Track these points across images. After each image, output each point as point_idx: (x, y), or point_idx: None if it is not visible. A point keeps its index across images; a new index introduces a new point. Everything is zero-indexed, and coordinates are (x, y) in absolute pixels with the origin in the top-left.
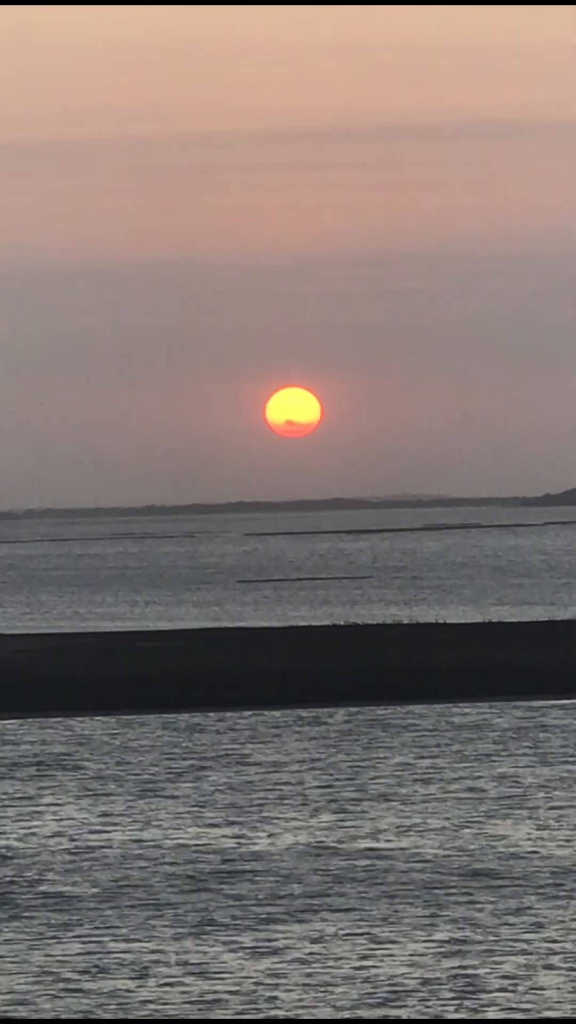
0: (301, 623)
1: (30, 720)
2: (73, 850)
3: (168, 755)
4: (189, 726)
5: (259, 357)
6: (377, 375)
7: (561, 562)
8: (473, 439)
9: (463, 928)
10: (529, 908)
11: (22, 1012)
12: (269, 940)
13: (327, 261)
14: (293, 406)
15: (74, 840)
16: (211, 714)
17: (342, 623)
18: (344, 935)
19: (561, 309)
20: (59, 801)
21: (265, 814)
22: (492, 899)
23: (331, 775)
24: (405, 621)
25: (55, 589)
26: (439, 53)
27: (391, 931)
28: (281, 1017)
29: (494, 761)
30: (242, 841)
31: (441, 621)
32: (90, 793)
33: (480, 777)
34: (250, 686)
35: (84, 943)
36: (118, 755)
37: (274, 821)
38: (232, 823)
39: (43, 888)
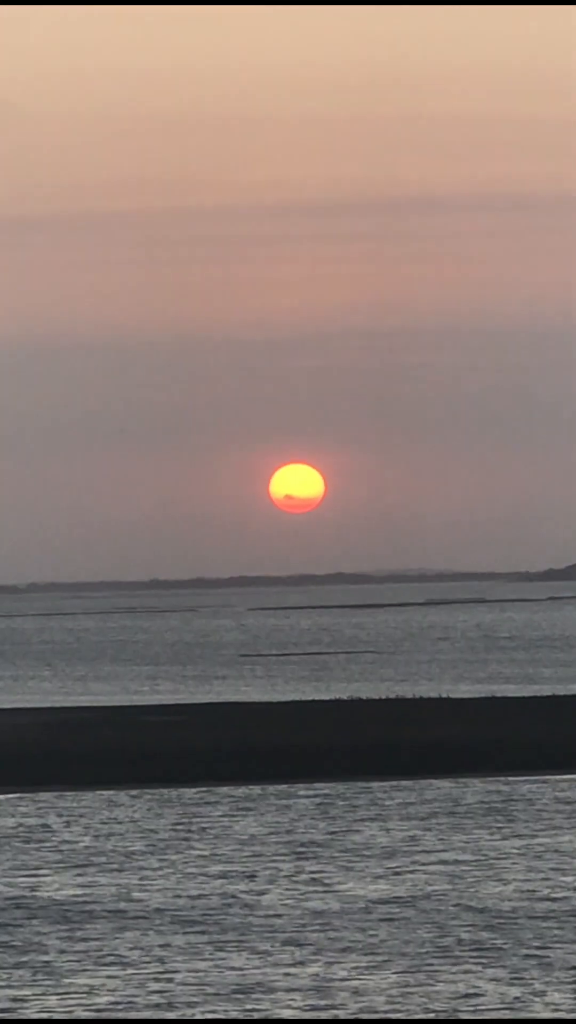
0: (303, 698)
1: (27, 795)
2: (53, 914)
3: (154, 828)
4: (184, 800)
5: (263, 432)
6: (381, 450)
7: (557, 636)
8: (476, 514)
9: (452, 989)
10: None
11: None
12: (256, 1008)
13: (331, 334)
14: (296, 481)
15: (51, 901)
16: (209, 788)
17: (345, 698)
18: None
19: (566, 383)
20: (41, 869)
21: (237, 887)
22: (483, 962)
23: (304, 848)
24: (407, 696)
25: (56, 663)
26: (444, 126)
27: (372, 999)
28: (281, 1017)
29: (464, 833)
30: (218, 911)
31: (443, 696)
32: (68, 865)
33: (451, 849)
34: (249, 761)
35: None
36: (104, 828)
37: (246, 894)
38: (205, 895)
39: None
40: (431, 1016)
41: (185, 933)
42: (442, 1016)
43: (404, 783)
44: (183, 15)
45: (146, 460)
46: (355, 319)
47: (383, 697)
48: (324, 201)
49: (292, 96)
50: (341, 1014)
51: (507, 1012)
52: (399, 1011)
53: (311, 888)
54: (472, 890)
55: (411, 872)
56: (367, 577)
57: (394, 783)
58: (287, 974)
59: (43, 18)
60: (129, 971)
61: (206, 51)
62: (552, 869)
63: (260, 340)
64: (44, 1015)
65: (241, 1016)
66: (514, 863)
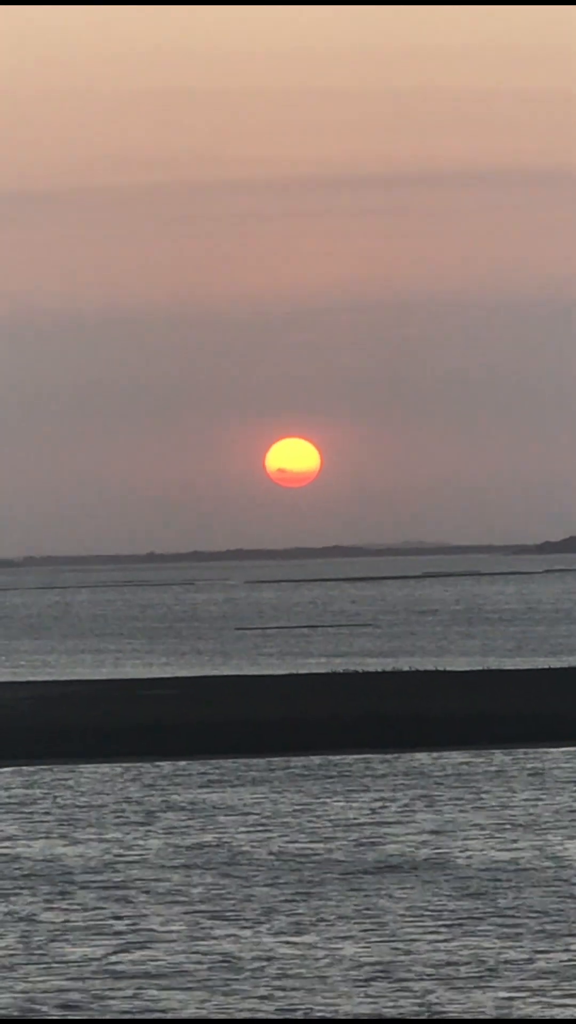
0: (300, 671)
1: (21, 767)
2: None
3: (131, 801)
4: (166, 773)
5: (260, 406)
6: (377, 423)
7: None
8: (473, 487)
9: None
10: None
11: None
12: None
13: (328, 309)
14: (291, 455)
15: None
16: (204, 760)
17: (341, 671)
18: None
19: (562, 358)
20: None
21: (205, 857)
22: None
23: (269, 821)
24: (404, 668)
25: (52, 636)
26: (440, 100)
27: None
28: (281, 1017)
29: (425, 807)
30: (188, 882)
31: (439, 668)
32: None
33: (413, 820)
34: (244, 734)
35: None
36: (83, 799)
37: (215, 865)
38: (176, 867)
39: None
40: (432, 1016)
41: (159, 903)
42: (444, 1016)
43: (384, 756)
44: None
45: (144, 434)
46: (351, 294)
47: (379, 670)
48: (322, 176)
49: (292, 70)
50: (322, 984)
51: (490, 975)
52: (380, 979)
53: (280, 859)
54: (436, 859)
55: (374, 842)
56: (363, 550)
57: (376, 756)
58: (266, 945)
59: None
60: (104, 938)
61: (207, 25)
62: (512, 839)
63: (258, 315)
64: (29, 987)
65: (240, 1017)
66: (477, 833)
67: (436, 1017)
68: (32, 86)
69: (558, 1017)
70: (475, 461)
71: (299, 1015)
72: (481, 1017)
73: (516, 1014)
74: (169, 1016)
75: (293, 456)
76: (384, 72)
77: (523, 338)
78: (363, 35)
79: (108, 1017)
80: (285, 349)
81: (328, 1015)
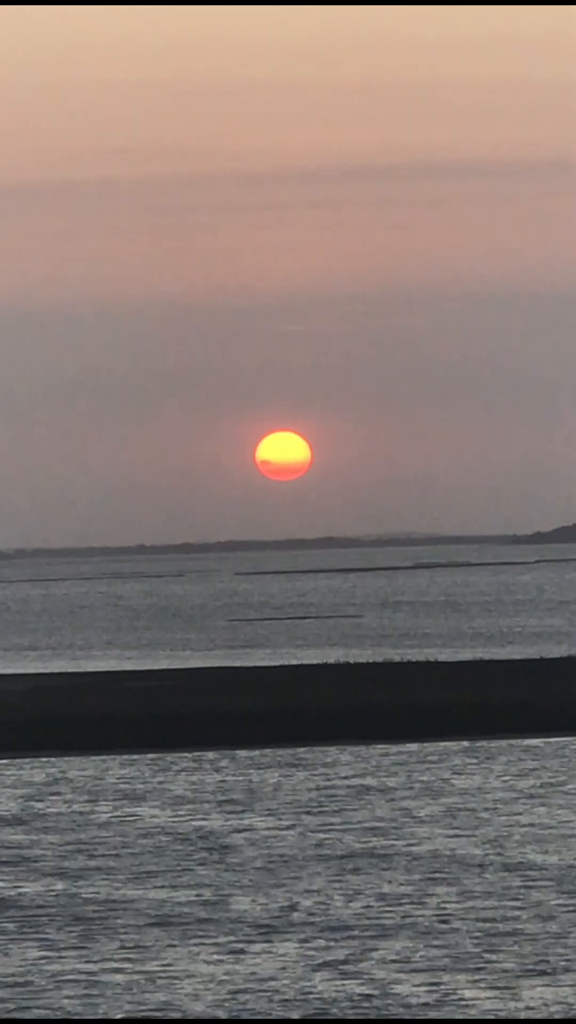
0: (291, 662)
1: (11, 760)
2: None
3: (95, 790)
4: (147, 763)
5: (252, 398)
6: (368, 415)
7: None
8: (464, 477)
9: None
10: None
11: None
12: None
13: (318, 300)
14: (281, 448)
15: None
16: (197, 753)
17: (332, 662)
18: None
19: (554, 349)
20: None
21: (151, 841)
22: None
23: (212, 808)
24: (395, 659)
25: (42, 629)
26: (439, 92)
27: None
28: (280, 1017)
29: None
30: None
31: (431, 660)
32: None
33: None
34: (231, 726)
35: None
36: (49, 789)
37: (161, 848)
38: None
39: None
40: (430, 1016)
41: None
42: (442, 1016)
43: (356, 747)
44: None
45: (134, 426)
46: (342, 285)
47: (370, 661)
48: (316, 167)
49: (288, 62)
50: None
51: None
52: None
53: (222, 843)
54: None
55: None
56: (356, 541)
57: (350, 747)
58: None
59: None
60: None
61: (202, 18)
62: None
63: (249, 305)
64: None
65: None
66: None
67: (436, 1017)
68: (23, 79)
69: (560, 1017)
70: (466, 452)
71: None
72: (481, 1017)
73: None
74: (169, 1016)
75: (282, 449)
76: (383, 65)
77: (515, 329)
78: (358, 28)
79: (108, 1017)
80: (276, 340)
81: (328, 1016)
